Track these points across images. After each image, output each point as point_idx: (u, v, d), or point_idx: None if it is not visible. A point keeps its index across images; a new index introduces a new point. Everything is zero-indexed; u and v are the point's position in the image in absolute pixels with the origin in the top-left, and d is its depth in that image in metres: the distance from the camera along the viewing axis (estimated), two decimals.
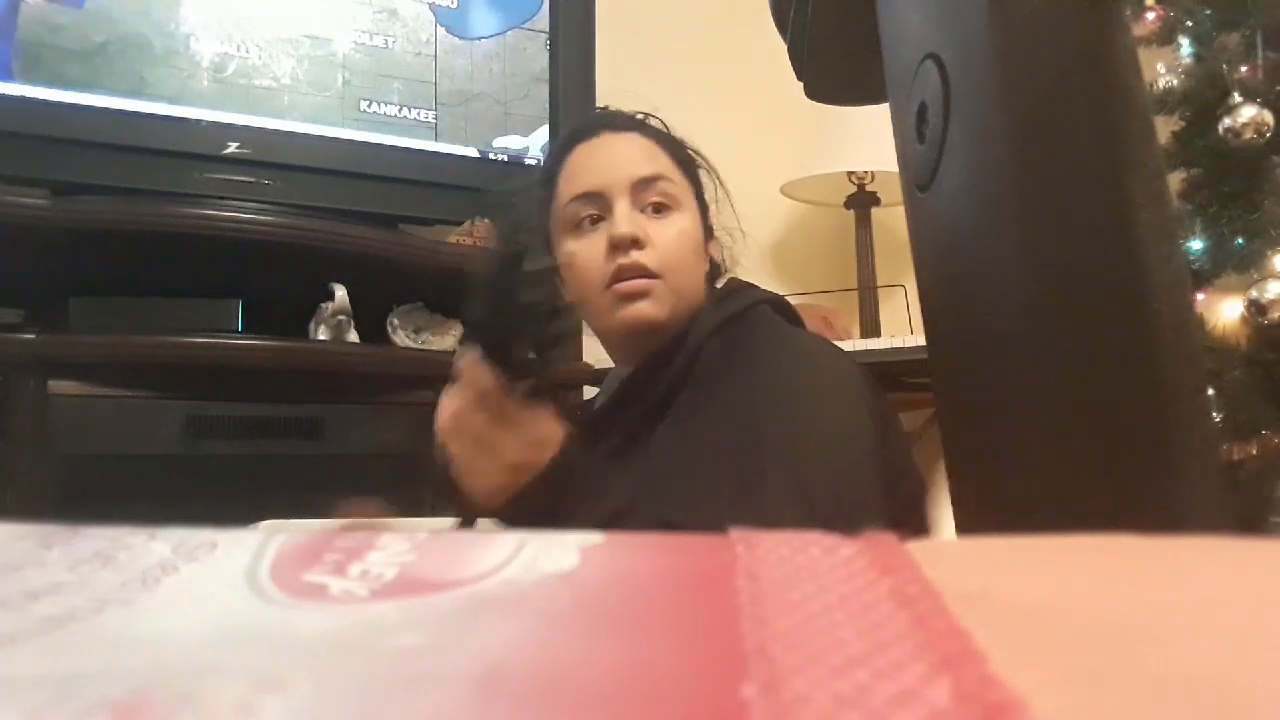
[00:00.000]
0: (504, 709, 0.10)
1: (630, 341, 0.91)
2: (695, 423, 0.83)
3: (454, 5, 1.76)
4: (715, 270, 0.95)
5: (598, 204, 0.89)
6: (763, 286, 0.96)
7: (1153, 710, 0.09)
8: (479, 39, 1.78)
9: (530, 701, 0.10)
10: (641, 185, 0.89)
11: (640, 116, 0.98)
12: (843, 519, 0.72)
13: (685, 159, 0.95)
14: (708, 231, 0.94)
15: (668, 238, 0.88)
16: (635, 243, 0.86)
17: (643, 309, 0.86)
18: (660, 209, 0.89)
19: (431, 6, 1.74)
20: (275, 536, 0.17)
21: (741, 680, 0.10)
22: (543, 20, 1.84)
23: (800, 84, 0.64)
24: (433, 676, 0.11)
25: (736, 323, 0.88)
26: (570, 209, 0.90)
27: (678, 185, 0.91)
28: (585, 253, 0.88)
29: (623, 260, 0.86)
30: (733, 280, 0.97)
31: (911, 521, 0.84)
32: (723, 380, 0.84)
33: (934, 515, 0.89)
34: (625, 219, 0.87)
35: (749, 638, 0.11)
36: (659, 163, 0.91)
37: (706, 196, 0.97)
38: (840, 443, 0.78)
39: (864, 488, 0.77)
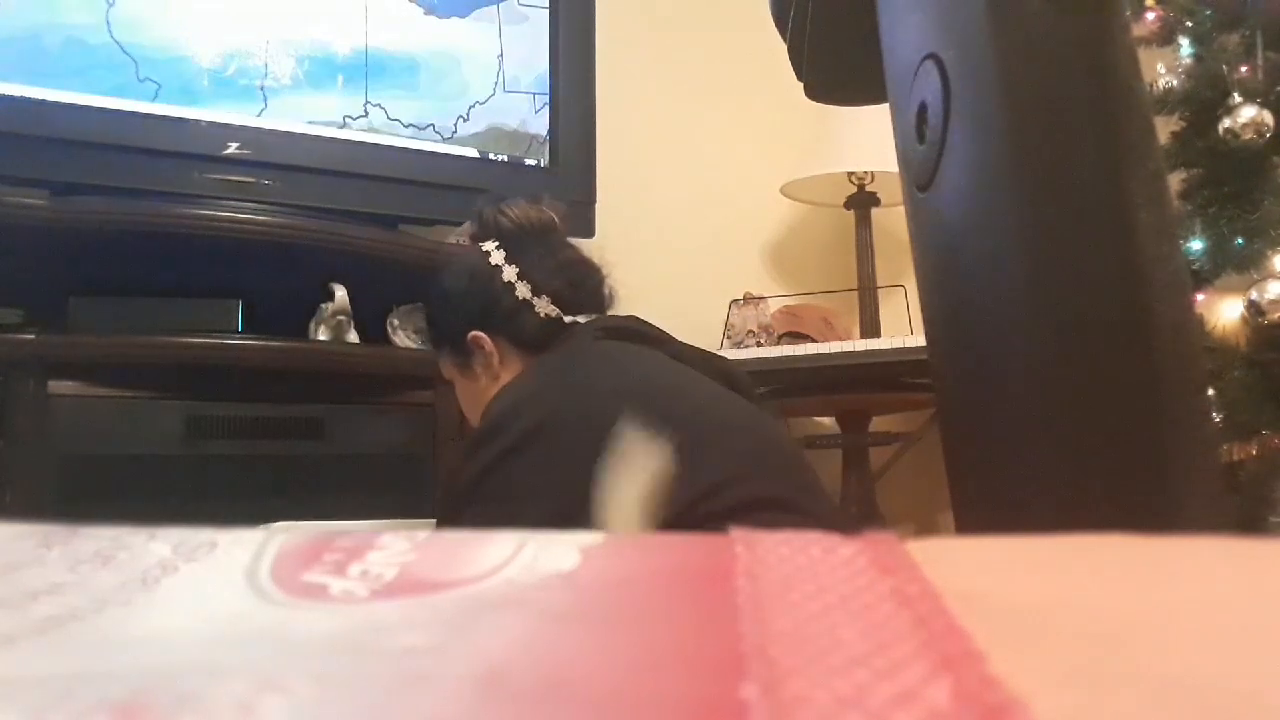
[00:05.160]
0: (505, 709, 0.10)
1: None
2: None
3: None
4: (537, 323, 1.05)
5: None
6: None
7: (1152, 711, 0.09)
8: (470, 15, 1.78)
9: (531, 701, 0.10)
10: None
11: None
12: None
13: (440, 335, 1.12)
14: (501, 316, 1.06)
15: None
16: None
17: None
18: None
19: (428, 8, 1.74)
20: (275, 536, 0.17)
21: (741, 680, 0.10)
22: (542, 18, 1.84)
23: (800, 84, 0.64)
24: (433, 676, 0.11)
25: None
26: None
27: (446, 369, 1.12)
28: None
29: None
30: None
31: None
32: None
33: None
34: None
35: (749, 638, 0.11)
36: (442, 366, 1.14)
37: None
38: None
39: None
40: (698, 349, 1.05)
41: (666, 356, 0.99)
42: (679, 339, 1.05)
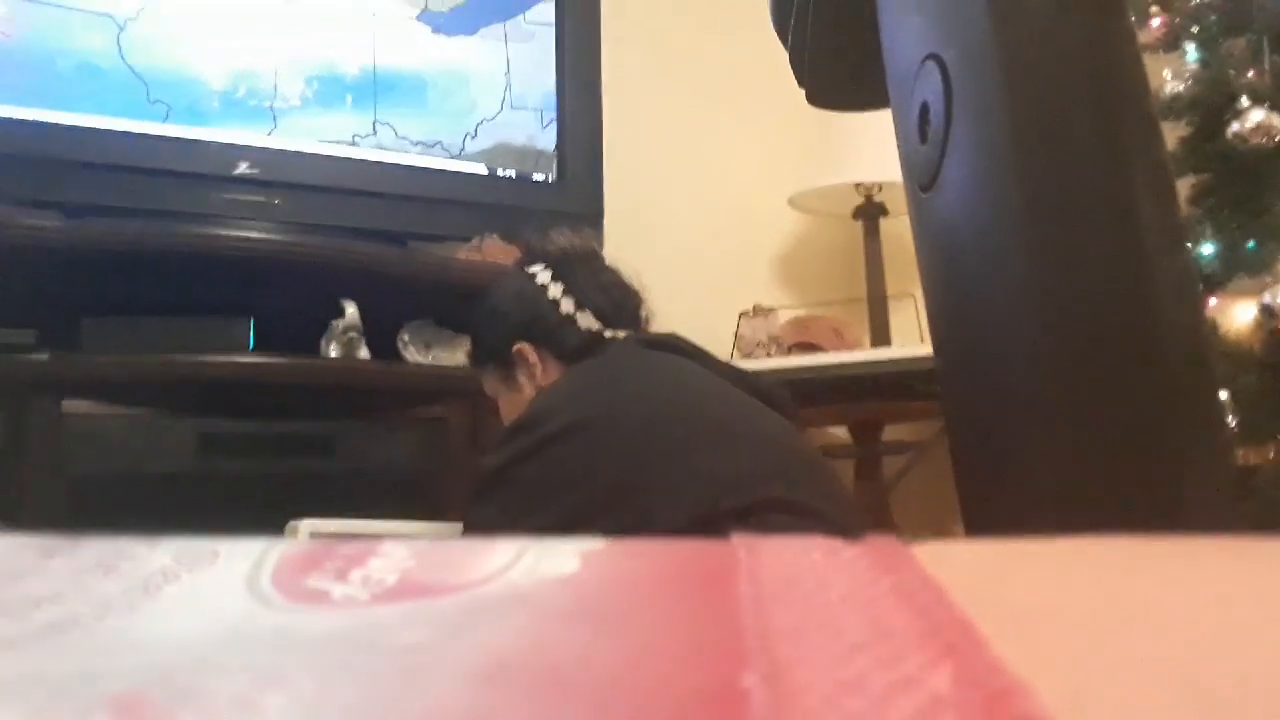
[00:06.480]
0: (506, 699, 0.10)
1: None
2: None
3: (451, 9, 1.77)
4: (579, 336, 1.11)
5: None
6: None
7: (1156, 693, 0.09)
8: (477, 33, 1.79)
9: (532, 692, 0.10)
10: None
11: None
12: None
13: (486, 350, 1.18)
14: (545, 330, 1.12)
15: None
16: None
17: None
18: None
19: (435, 26, 1.75)
20: (277, 544, 0.17)
21: (743, 671, 0.10)
22: (549, 35, 1.85)
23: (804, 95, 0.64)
24: (434, 671, 0.11)
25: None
26: None
27: (490, 384, 1.18)
28: None
29: None
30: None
31: None
32: None
33: None
34: None
35: (750, 632, 0.11)
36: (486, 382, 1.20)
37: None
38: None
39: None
40: (733, 366, 1.12)
41: (700, 368, 1.02)
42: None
